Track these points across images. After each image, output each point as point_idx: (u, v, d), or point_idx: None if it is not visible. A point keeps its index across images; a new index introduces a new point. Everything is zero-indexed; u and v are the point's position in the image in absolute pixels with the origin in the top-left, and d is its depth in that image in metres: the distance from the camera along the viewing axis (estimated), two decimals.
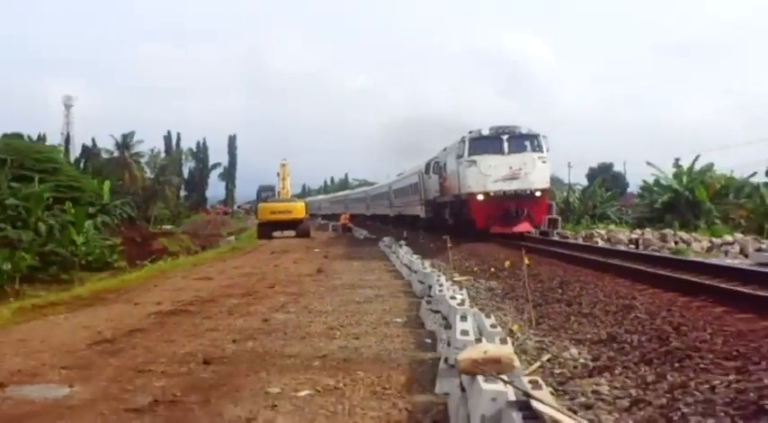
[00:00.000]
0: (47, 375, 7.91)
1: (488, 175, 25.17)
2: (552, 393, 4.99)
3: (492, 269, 16.68)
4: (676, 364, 6.62)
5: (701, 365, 6.45)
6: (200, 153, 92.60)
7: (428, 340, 8.96)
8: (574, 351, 7.93)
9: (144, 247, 34.49)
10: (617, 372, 6.79)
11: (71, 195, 30.95)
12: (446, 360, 6.46)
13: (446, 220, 31.23)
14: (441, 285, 11.16)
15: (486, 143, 26.01)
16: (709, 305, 9.34)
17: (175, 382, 7.32)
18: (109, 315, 12.86)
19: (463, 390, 5.24)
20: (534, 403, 4.01)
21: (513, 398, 4.30)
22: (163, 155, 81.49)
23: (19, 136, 41.21)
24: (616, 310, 9.90)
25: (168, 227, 47.58)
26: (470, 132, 26.62)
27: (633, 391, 6.09)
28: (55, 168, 35.48)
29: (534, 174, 25.07)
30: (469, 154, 25.99)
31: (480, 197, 25.30)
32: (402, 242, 26.24)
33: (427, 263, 16.75)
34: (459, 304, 8.57)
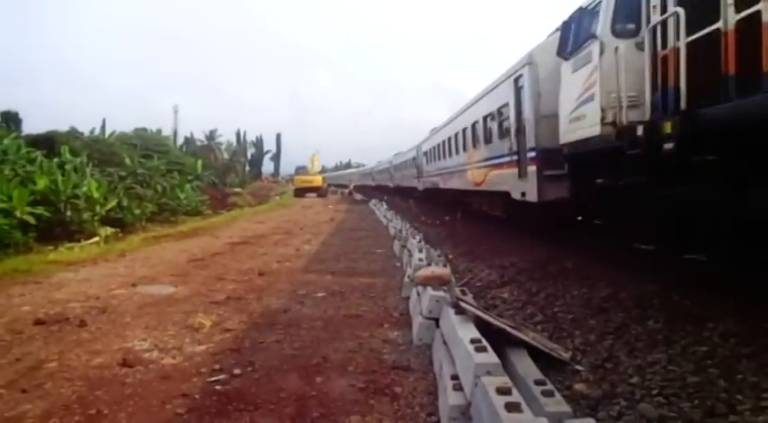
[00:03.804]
0: (161, 280, 7.88)
1: None
2: (473, 298, 5.02)
3: (437, 221, 16.46)
4: (551, 282, 6.68)
5: (566, 283, 6.52)
6: (258, 144, 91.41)
7: (398, 264, 8.99)
8: (488, 272, 7.99)
9: (222, 202, 33.92)
10: (514, 285, 6.85)
11: (177, 168, 30.41)
12: (409, 276, 6.48)
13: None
14: (407, 230, 11.16)
15: None
16: (571, 253, 9.33)
17: (240, 286, 7.30)
18: (200, 243, 12.76)
19: (418, 294, 5.27)
20: (462, 304, 4.03)
21: (449, 300, 4.32)
22: (234, 144, 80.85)
23: (145, 129, 40.41)
24: (516, 249, 9.90)
25: (238, 189, 46.81)
26: None
27: (524, 298, 6.15)
28: (167, 151, 34.97)
29: None
30: None
31: None
32: (383, 203, 25.48)
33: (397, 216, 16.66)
34: (418, 242, 8.59)
